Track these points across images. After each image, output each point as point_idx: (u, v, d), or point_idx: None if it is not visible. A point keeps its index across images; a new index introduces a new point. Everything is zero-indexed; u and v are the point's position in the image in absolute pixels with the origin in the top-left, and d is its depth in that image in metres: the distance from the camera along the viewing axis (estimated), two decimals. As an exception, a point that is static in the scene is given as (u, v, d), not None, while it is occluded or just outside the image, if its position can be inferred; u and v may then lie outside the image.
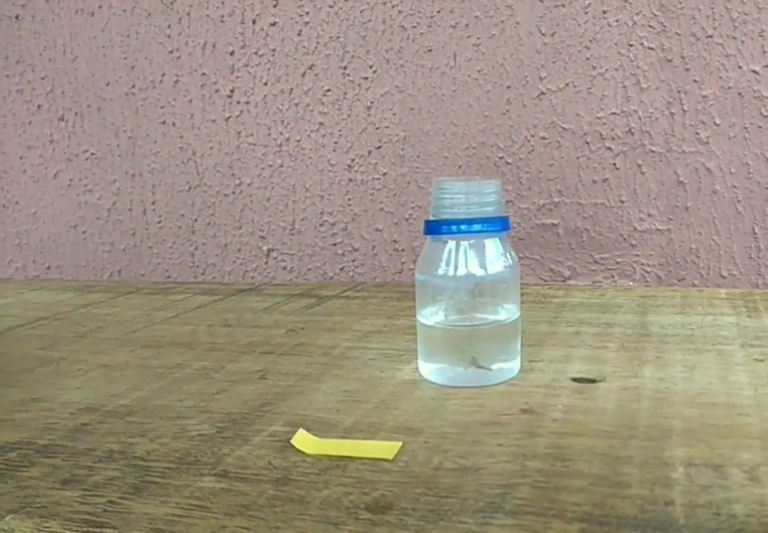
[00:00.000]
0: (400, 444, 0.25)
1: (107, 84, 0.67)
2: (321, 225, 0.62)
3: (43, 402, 0.31)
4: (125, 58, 0.66)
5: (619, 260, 0.55)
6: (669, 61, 0.51)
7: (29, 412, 0.30)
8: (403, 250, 0.60)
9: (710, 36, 0.50)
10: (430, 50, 0.57)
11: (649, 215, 0.54)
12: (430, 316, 0.32)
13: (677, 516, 0.20)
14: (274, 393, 0.31)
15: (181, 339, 0.40)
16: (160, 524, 0.21)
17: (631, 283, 0.54)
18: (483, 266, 0.31)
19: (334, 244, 0.62)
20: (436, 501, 0.22)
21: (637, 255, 0.54)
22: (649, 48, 0.52)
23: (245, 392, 0.31)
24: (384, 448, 0.25)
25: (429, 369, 0.32)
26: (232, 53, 0.62)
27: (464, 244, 0.31)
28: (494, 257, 0.31)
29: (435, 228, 0.31)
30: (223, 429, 0.27)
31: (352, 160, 0.60)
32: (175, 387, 0.32)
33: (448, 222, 0.31)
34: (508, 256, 0.32)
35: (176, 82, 0.64)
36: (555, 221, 0.56)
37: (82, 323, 0.43)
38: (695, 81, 0.51)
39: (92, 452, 0.26)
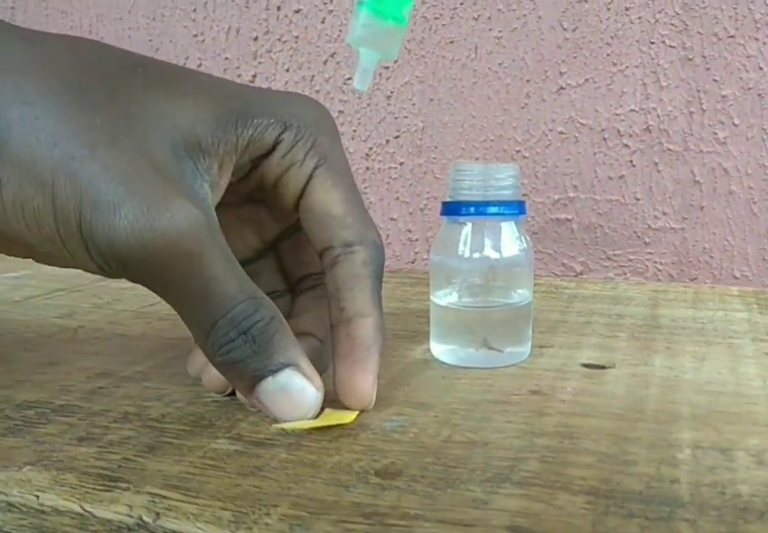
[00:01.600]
0: (356, 413, 0.26)
1: (130, 66, 0.67)
2: (336, 212, 0.62)
3: (61, 366, 0.32)
4: (150, 40, 0.67)
5: (632, 257, 0.55)
6: (690, 60, 0.51)
7: (47, 374, 0.31)
8: (416, 240, 0.60)
9: (732, 36, 0.50)
10: (451, 42, 0.57)
11: (664, 214, 0.54)
12: (444, 297, 0.32)
13: (682, 494, 0.20)
14: (287, 366, 0.31)
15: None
16: (174, 481, 0.21)
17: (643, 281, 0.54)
18: (498, 249, 0.31)
19: (349, 232, 0.62)
20: (444, 470, 0.22)
21: (651, 253, 0.54)
22: (671, 46, 0.52)
23: (259, 364, 0.32)
24: (344, 416, 0.26)
25: (441, 350, 0.33)
26: (255, 39, 0.63)
27: (480, 226, 0.31)
28: (509, 240, 0.32)
29: (452, 209, 0.32)
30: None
31: (370, 148, 0.60)
32: (190, 358, 0.33)
33: (465, 204, 0.31)
34: (523, 240, 0.32)
35: (199, 65, 0.65)
36: (569, 216, 0.56)
37: (99, 296, 0.43)
38: (715, 81, 0.51)
39: (108, 413, 0.27)
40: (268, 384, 0.24)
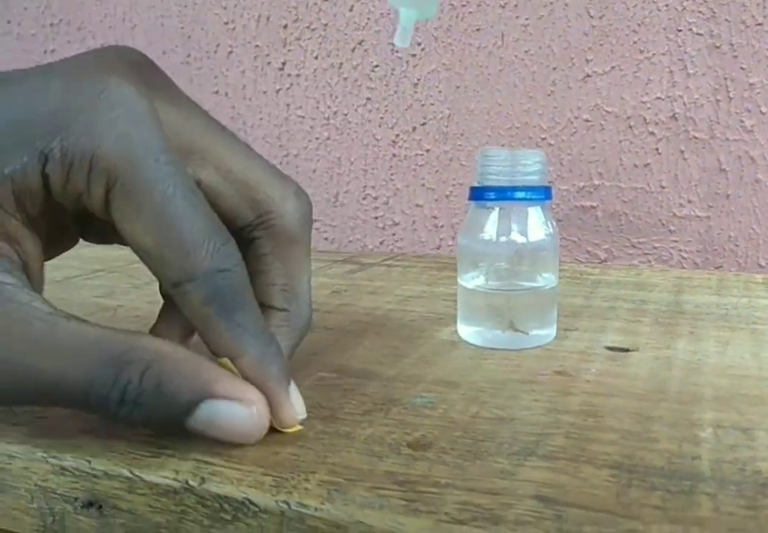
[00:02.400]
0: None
1: (164, 53, 0.69)
2: (363, 199, 0.63)
3: (104, 343, 0.33)
4: (182, 27, 0.68)
5: (656, 245, 0.55)
6: (717, 47, 0.52)
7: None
8: (442, 226, 0.61)
9: (760, 24, 0.50)
10: (478, 29, 0.57)
11: (689, 202, 0.54)
12: (471, 280, 0.33)
13: (703, 469, 0.21)
14: (320, 345, 0.33)
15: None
16: (217, 448, 0.22)
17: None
18: (524, 233, 0.32)
19: (376, 217, 0.63)
20: (473, 443, 0.23)
21: (675, 241, 0.55)
22: (698, 34, 0.52)
23: (293, 343, 0.33)
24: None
25: (468, 331, 0.33)
26: (285, 27, 0.63)
27: (507, 211, 0.32)
28: (536, 225, 0.32)
29: (479, 194, 0.32)
30: (274, 372, 0.29)
31: (397, 135, 0.61)
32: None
33: (493, 189, 0.32)
34: (549, 225, 0.33)
35: (230, 53, 0.66)
36: (594, 204, 0.56)
37: (136, 276, 0.45)
38: (743, 68, 0.51)
39: (152, 386, 0.28)
40: (193, 424, 0.21)
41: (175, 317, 0.26)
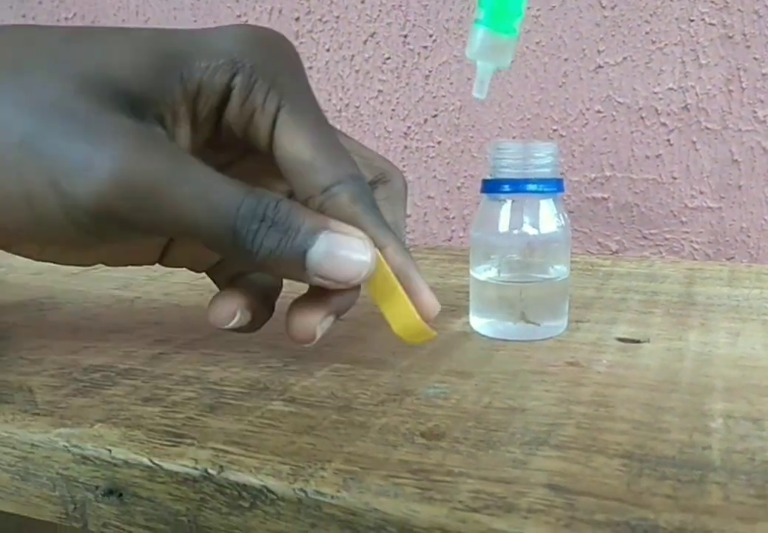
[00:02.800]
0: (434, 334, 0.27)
1: (174, 46, 0.69)
2: (375, 190, 0.63)
3: (121, 334, 0.34)
4: (195, 21, 0.68)
5: (668, 236, 0.55)
6: (730, 37, 0.51)
7: (109, 341, 0.33)
8: (453, 218, 0.61)
9: (774, 13, 0.50)
10: (490, 21, 0.57)
11: (701, 193, 0.54)
12: (484, 272, 0.33)
13: (714, 459, 0.21)
14: (334, 336, 0.33)
15: (245, 287, 0.42)
16: (235, 438, 0.23)
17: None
18: (536, 225, 0.32)
19: (387, 209, 0.63)
20: (485, 433, 0.23)
21: (687, 232, 0.55)
22: (710, 24, 0.52)
23: (308, 334, 0.33)
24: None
25: (480, 323, 0.34)
26: (297, 19, 0.64)
27: (519, 203, 0.32)
28: (548, 217, 0.33)
29: (491, 187, 0.33)
30: (290, 363, 0.30)
31: (409, 128, 0.61)
32: (243, 326, 0.34)
33: (505, 182, 0.32)
34: (561, 217, 0.33)
35: (241, 46, 0.66)
36: (605, 195, 0.56)
37: (152, 268, 0.45)
38: (755, 59, 0.51)
39: (170, 376, 0.28)
40: (313, 256, 0.24)
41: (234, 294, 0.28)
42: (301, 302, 0.26)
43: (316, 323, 0.26)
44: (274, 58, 0.26)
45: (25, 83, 0.23)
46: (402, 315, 0.26)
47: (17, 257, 0.28)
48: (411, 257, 0.26)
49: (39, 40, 0.24)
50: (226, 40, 0.25)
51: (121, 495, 0.22)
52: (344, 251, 0.24)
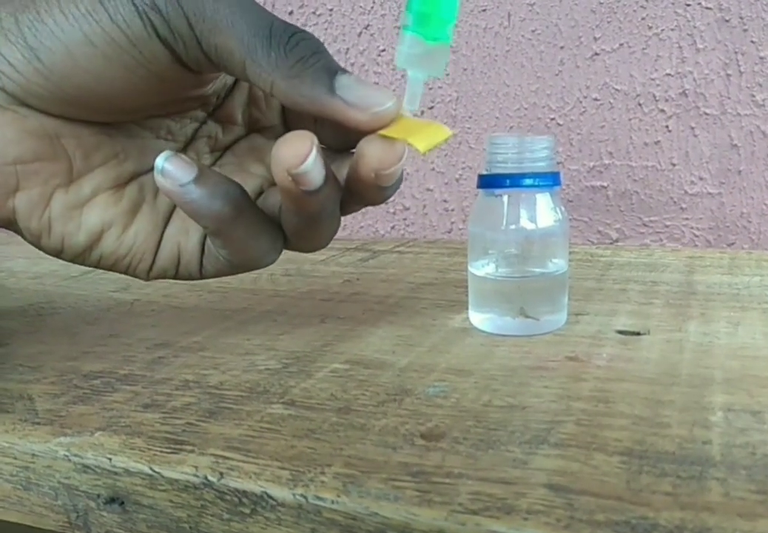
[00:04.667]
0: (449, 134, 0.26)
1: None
2: (373, 184, 0.63)
3: (121, 338, 0.34)
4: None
5: (668, 223, 0.55)
6: (727, 21, 0.51)
7: (109, 346, 0.33)
8: (452, 210, 0.61)
9: (771, -4, 0.50)
10: (484, 10, 0.57)
11: (701, 179, 0.54)
12: (481, 267, 0.33)
13: (714, 454, 0.21)
14: (333, 335, 0.33)
15: (245, 286, 0.42)
16: (235, 443, 0.23)
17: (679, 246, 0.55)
18: (533, 220, 0.32)
19: (386, 203, 0.63)
20: (485, 432, 0.23)
21: (687, 219, 0.54)
22: (707, 8, 0.51)
23: (307, 334, 0.33)
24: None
25: (479, 319, 0.34)
26: (291, 13, 0.63)
27: (516, 198, 0.32)
28: (545, 211, 0.32)
29: (488, 182, 0.32)
30: (289, 365, 0.30)
31: (405, 120, 0.61)
32: (242, 328, 0.35)
33: (501, 176, 0.32)
34: (558, 211, 0.33)
35: (234, 41, 0.66)
36: (604, 184, 0.56)
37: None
38: (753, 42, 0.50)
39: (169, 381, 0.28)
40: (344, 78, 0.24)
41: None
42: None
43: (306, 146, 0.24)
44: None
45: None
46: (424, 137, 0.25)
47: (17, 261, 0.28)
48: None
49: None
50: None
51: (122, 503, 0.23)
52: (368, 85, 0.24)
